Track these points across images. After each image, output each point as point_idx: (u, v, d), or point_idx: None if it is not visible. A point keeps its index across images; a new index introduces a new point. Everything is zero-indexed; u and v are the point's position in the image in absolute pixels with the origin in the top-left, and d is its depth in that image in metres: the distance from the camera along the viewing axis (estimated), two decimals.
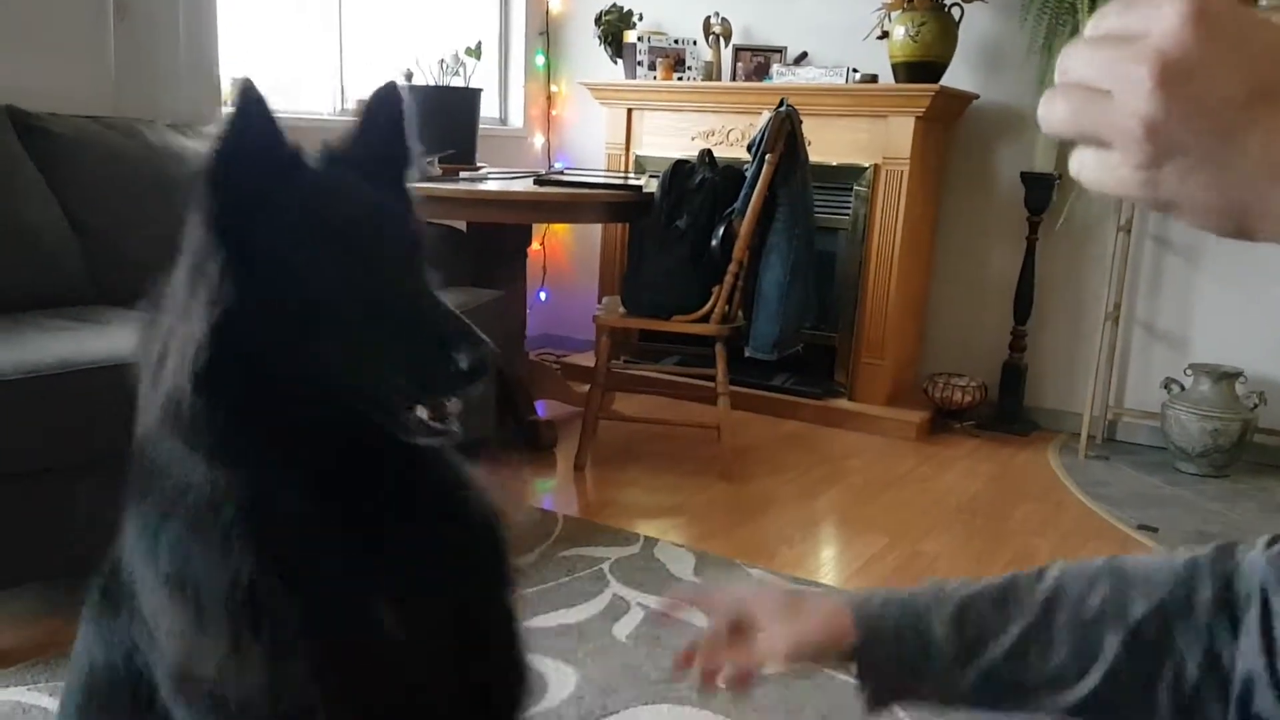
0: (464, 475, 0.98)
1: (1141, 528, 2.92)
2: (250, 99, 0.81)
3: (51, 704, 1.74)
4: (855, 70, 3.89)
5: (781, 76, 4.04)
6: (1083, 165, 0.49)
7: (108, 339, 2.08)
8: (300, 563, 0.85)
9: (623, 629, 2.13)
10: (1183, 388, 3.51)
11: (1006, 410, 3.90)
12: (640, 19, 4.45)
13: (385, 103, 0.96)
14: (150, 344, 0.88)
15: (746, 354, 3.29)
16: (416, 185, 0.97)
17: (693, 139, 4.11)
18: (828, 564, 2.62)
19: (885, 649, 0.82)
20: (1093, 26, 0.47)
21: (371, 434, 0.86)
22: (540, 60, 4.76)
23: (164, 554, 0.86)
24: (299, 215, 0.84)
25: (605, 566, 2.41)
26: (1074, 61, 0.47)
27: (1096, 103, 0.46)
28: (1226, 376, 3.40)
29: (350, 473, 0.89)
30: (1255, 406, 3.40)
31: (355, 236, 0.85)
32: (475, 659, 0.96)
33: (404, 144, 0.96)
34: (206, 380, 0.81)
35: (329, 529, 0.87)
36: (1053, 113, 0.48)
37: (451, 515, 0.95)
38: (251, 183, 0.82)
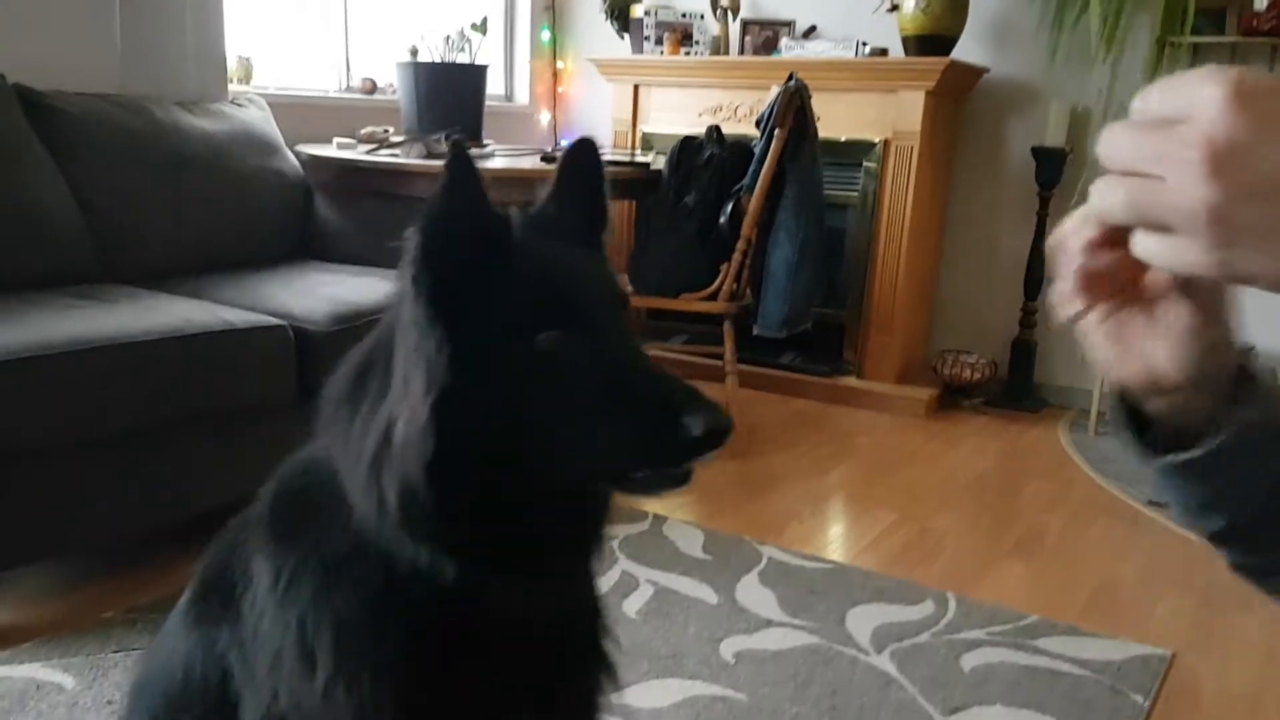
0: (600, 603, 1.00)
1: (1152, 504, 2.91)
2: (461, 165, 0.76)
3: (65, 680, 1.75)
4: (865, 44, 3.85)
5: (790, 50, 4.01)
6: (1149, 250, 0.48)
7: (116, 317, 2.08)
8: (468, 673, 0.86)
9: (632, 605, 2.14)
10: None
11: (1016, 387, 3.89)
12: None
13: (582, 158, 0.93)
14: (364, 419, 0.82)
15: (755, 332, 3.28)
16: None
17: (700, 115, 4.08)
18: (836, 540, 2.63)
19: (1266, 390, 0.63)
20: (1136, 110, 0.47)
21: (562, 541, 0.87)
22: (546, 36, 4.73)
23: (313, 619, 0.84)
24: (514, 288, 0.80)
25: (614, 544, 2.42)
26: (1120, 150, 0.47)
27: (1154, 191, 0.46)
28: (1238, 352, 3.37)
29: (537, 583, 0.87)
30: None
31: (573, 307, 0.81)
32: None
33: (602, 202, 0.94)
34: (436, 469, 0.76)
35: (509, 629, 0.87)
36: (1111, 202, 0.48)
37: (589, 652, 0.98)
38: (464, 254, 0.78)
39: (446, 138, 3.26)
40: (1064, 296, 0.61)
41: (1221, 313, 0.59)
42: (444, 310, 0.77)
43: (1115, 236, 0.56)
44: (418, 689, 0.84)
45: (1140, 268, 0.57)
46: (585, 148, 0.93)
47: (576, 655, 0.97)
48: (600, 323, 0.82)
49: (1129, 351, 0.60)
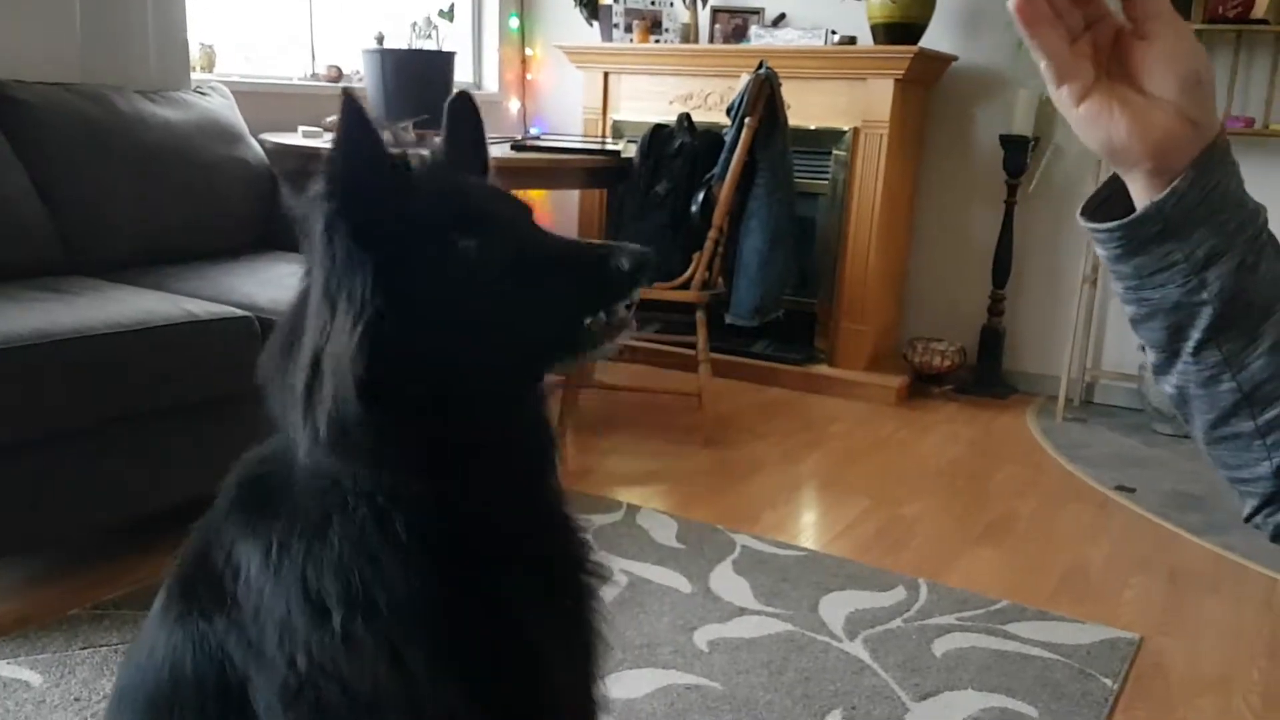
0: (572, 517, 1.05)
1: (1119, 488, 2.95)
2: (354, 111, 0.82)
3: (32, 677, 1.73)
4: (834, 32, 3.86)
5: (760, 38, 4.00)
6: None
7: (78, 310, 2.05)
8: (469, 573, 0.88)
9: (606, 595, 2.12)
10: None
11: (985, 374, 3.92)
12: None
13: (463, 112, 1.01)
14: (289, 367, 0.88)
15: (727, 321, 3.28)
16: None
17: (671, 103, 4.07)
18: (809, 528, 2.63)
19: (1233, 167, 0.67)
20: None
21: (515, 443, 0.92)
22: (514, 23, 4.70)
23: (312, 573, 0.86)
24: (425, 211, 0.86)
25: (588, 535, 2.41)
26: None
27: None
28: None
29: (502, 480, 0.91)
30: None
31: (483, 213, 0.88)
32: (588, 681, 1.04)
33: (484, 153, 1.02)
34: (369, 388, 0.81)
35: (493, 534, 0.91)
36: None
37: (571, 553, 1.03)
38: (372, 187, 0.84)
39: (414, 125, 3.23)
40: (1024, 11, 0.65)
41: (1188, 91, 0.64)
42: (364, 244, 0.83)
43: None
44: (433, 600, 0.86)
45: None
46: (464, 102, 1.01)
47: (567, 569, 1.02)
48: (512, 219, 0.90)
49: (1101, 125, 0.65)
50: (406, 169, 0.90)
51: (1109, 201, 0.71)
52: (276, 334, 0.92)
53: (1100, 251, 0.71)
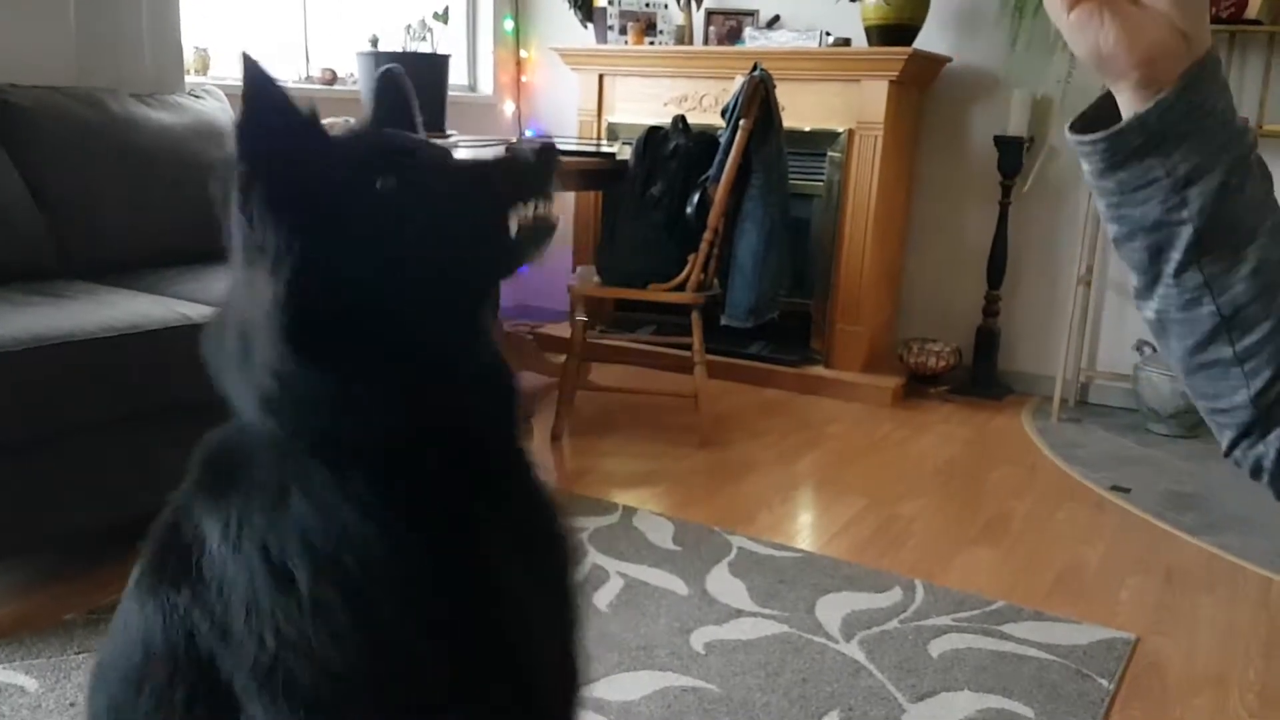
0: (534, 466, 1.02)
1: (1114, 488, 2.95)
2: (255, 74, 0.83)
3: (28, 682, 1.72)
4: (828, 34, 3.86)
5: (754, 40, 4.01)
6: None
7: (73, 314, 2.05)
8: (437, 525, 0.87)
9: (603, 598, 2.13)
10: (1155, 349, 3.54)
11: (980, 375, 3.93)
12: None
13: (392, 91, 1.02)
14: (225, 341, 0.89)
15: (723, 322, 3.28)
16: None
17: (666, 105, 4.08)
18: (805, 529, 2.64)
19: (1222, 85, 0.66)
20: None
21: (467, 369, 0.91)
22: (509, 25, 4.70)
23: (274, 542, 0.85)
24: (341, 161, 0.87)
25: (584, 536, 2.41)
26: None
27: None
28: None
29: (462, 418, 0.91)
30: None
31: (398, 151, 0.90)
32: (565, 636, 1.01)
33: (412, 126, 1.01)
34: (301, 337, 0.82)
35: (458, 482, 0.90)
36: None
37: (541, 501, 1.00)
38: (283, 146, 0.85)
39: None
40: None
41: (1179, 3, 0.64)
42: (280, 202, 0.83)
43: None
44: (401, 557, 0.85)
45: None
46: (392, 79, 1.03)
47: (536, 522, 0.98)
48: (428, 153, 0.91)
49: (1090, 32, 0.65)
50: (315, 119, 0.90)
51: (1098, 119, 0.70)
52: (214, 316, 0.93)
53: (1085, 166, 0.70)
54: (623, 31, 4.25)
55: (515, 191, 0.88)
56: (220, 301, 0.93)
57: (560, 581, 1.00)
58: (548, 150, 0.89)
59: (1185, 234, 0.66)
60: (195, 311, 2.19)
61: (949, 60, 3.86)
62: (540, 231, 0.90)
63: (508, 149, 0.90)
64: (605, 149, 3.64)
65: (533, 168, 0.88)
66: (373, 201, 0.85)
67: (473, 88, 4.70)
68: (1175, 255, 0.67)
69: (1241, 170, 0.65)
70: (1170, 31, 0.64)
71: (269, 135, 0.84)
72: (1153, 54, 0.64)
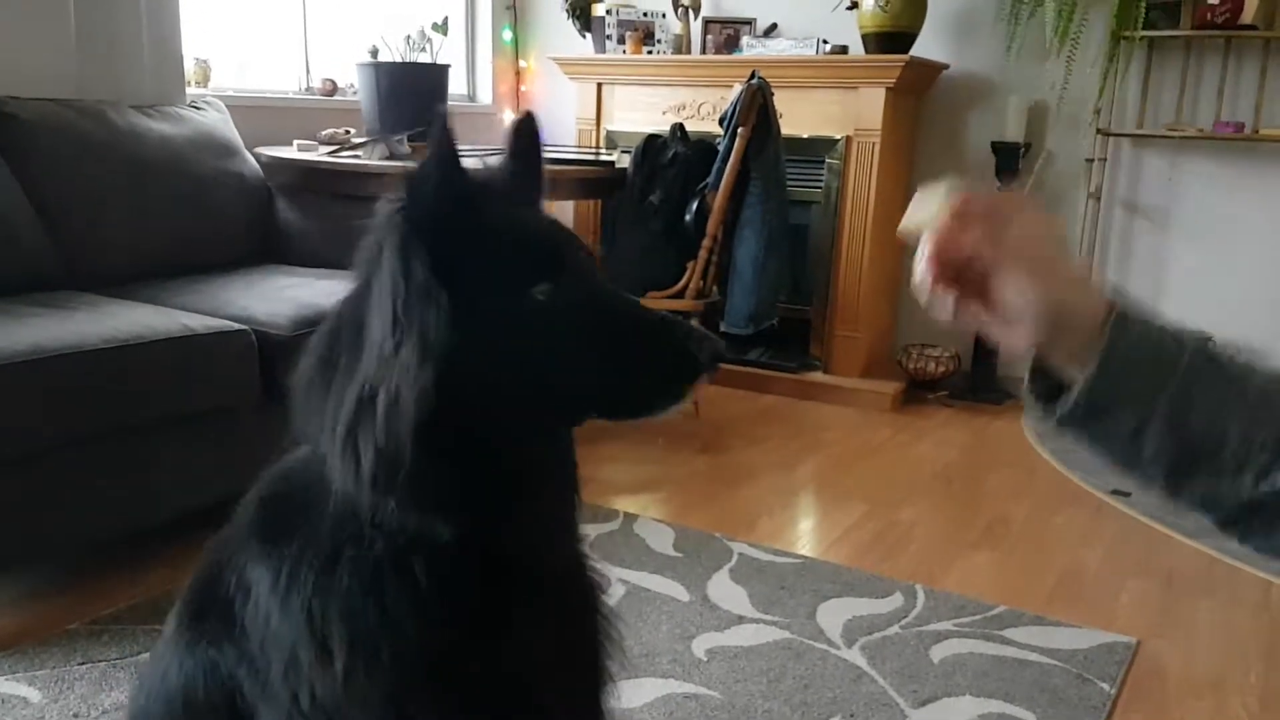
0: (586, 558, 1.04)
1: (1114, 493, 2.95)
2: (445, 134, 0.79)
3: (31, 693, 1.73)
4: (825, 41, 3.87)
5: (751, 49, 4.02)
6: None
7: (75, 325, 2.05)
8: (481, 617, 0.87)
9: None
10: None
11: (979, 380, 3.93)
12: None
13: (526, 132, 0.99)
14: (333, 393, 0.84)
15: (722, 329, 3.29)
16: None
17: (664, 113, 4.09)
18: (805, 535, 2.64)
19: (1138, 332, 0.68)
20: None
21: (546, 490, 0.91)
22: (508, 35, 4.71)
23: (318, 609, 0.84)
24: (500, 248, 0.83)
25: (586, 544, 2.41)
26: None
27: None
28: None
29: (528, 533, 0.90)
30: None
31: (558, 259, 0.85)
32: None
33: (541, 172, 0.99)
34: (426, 429, 0.78)
35: (508, 589, 0.89)
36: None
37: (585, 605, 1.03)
38: (451, 217, 0.81)
39: (409, 138, 3.25)
40: (922, 286, 0.72)
41: (1049, 286, 0.68)
42: (439, 275, 0.79)
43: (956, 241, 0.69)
44: (437, 657, 0.85)
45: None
46: (528, 123, 0.99)
47: (578, 612, 1.01)
48: (584, 271, 0.87)
49: (975, 326, 0.71)
50: (483, 194, 0.87)
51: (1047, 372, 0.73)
52: (316, 345, 0.89)
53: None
54: (621, 41, 4.26)
55: (667, 374, 0.85)
56: (326, 334, 0.88)
57: (595, 664, 1.03)
58: (717, 356, 0.85)
59: (1156, 471, 0.69)
60: (198, 322, 2.20)
61: (946, 67, 3.87)
62: (671, 405, 0.87)
63: (680, 330, 0.85)
64: (604, 157, 3.65)
65: (695, 364, 0.84)
66: (523, 307, 0.82)
67: (472, 97, 4.71)
68: (1159, 484, 0.70)
69: (1184, 394, 0.67)
70: (1052, 317, 0.67)
71: (443, 201, 0.80)
72: (1042, 340, 0.68)
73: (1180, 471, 0.68)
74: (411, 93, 3.47)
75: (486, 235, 0.83)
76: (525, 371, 0.83)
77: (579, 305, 0.84)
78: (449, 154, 0.80)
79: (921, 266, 0.70)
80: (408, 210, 0.79)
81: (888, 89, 3.65)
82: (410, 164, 0.82)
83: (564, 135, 4.51)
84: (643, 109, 4.20)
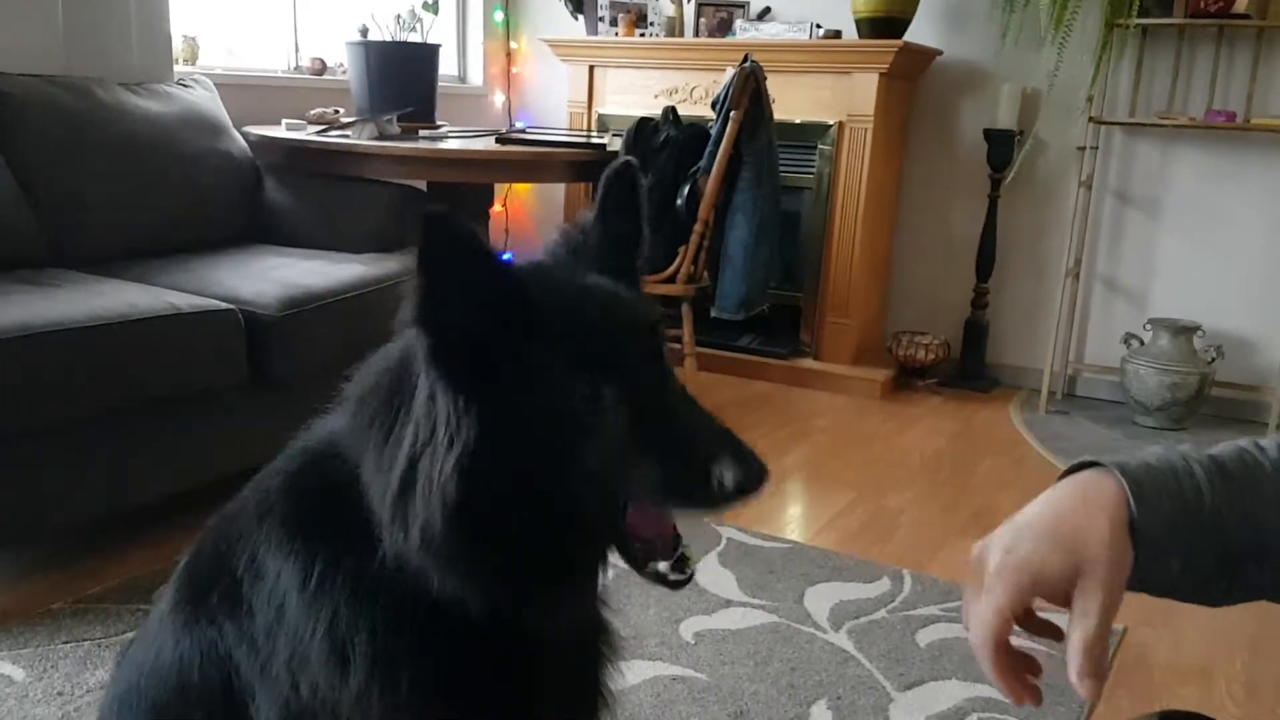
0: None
1: None
2: (438, 228, 0.75)
3: (15, 672, 1.72)
4: (819, 26, 3.86)
5: (745, 32, 4.00)
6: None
7: (60, 303, 2.04)
8: (499, 665, 0.88)
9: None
10: (1142, 342, 3.55)
11: (969, 367, 3.94)
12: None
13: (622, 181, 0.92)
14: (392, 449, 0.82)
15: (713, 314, 3.29)
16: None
17: (656, 96, 4.07)
18: (794, 520, 2.64)
19: (1159, 490, 0.73)
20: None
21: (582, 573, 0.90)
22: (499, 16, 4.68)
23: (346, 616, 0.84)
24: (539, 344, 0.79)
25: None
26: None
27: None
28: (1185, 331, 3.45)
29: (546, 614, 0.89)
30: (1213, 360, 3.45)
31: (604, 360, 0.80)
32: None
33: (638, 225, 0.93)
34: (460, 512, 0.77)
35: (529, 648, 0.90)
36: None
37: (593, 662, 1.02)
38: (469, 317, 0.77)
39: (398, 118, 3.22)
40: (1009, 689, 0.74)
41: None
42: (460, 373, 0.77)
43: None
44: (449, 703, 0.86)
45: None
46: (626, 170, 0.92)
47: (589, 678, 1.01)
48: (632, 370, 0.80)
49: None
50: (513, 284, 0.81)
51: None
52: (383, 362, 0.87)
53: None
54: (613, 23, 4.24)
55: (696, 496, 0.78)
56: (393, 368, 0.85)
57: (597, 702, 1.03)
58: (749, 490, 0.76)
59: (1221, 592, 0.74)
60: (184, 301, 2.19)
61: (939, 53, 3.86)
62: (668, 584, 0.88)
63: (727, 448, 0.77)
64: (595, 140, 3.63)
65: (726, 493, 0.75)
66: (566, 408, 0.78)
67: (462, 79, 4.68)
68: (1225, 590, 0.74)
69: (1218, 528, 0.72)
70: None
71: (453, 308, 0.76)
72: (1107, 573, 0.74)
73: (1234, 582, 0.73)
74: (402, 72, 3.44)
75: (535, 329, 0.79)
76: (564, 465, 0.80)
77: (615, 412, 0.78)
78: (445, 256, 0.76)
79: (997, 682, 0.74)
80: (416, 320, 0.76)
81: (881, 75, 3.64)
82: (414, 278, 0.76)
83: (555, 118, 4.49)
84: (635, 92, 4.18)
